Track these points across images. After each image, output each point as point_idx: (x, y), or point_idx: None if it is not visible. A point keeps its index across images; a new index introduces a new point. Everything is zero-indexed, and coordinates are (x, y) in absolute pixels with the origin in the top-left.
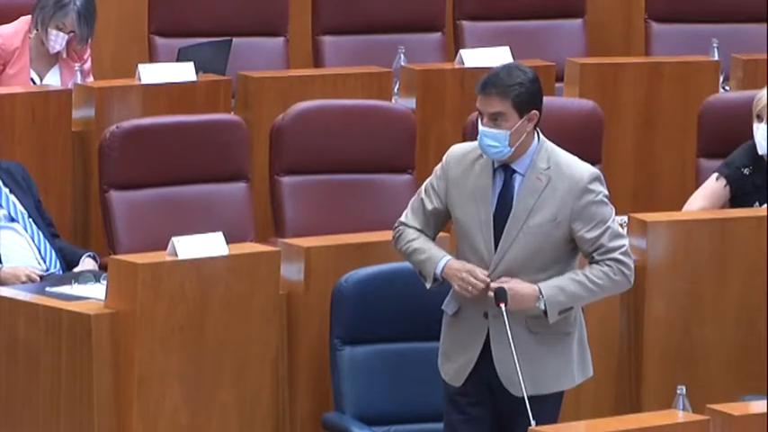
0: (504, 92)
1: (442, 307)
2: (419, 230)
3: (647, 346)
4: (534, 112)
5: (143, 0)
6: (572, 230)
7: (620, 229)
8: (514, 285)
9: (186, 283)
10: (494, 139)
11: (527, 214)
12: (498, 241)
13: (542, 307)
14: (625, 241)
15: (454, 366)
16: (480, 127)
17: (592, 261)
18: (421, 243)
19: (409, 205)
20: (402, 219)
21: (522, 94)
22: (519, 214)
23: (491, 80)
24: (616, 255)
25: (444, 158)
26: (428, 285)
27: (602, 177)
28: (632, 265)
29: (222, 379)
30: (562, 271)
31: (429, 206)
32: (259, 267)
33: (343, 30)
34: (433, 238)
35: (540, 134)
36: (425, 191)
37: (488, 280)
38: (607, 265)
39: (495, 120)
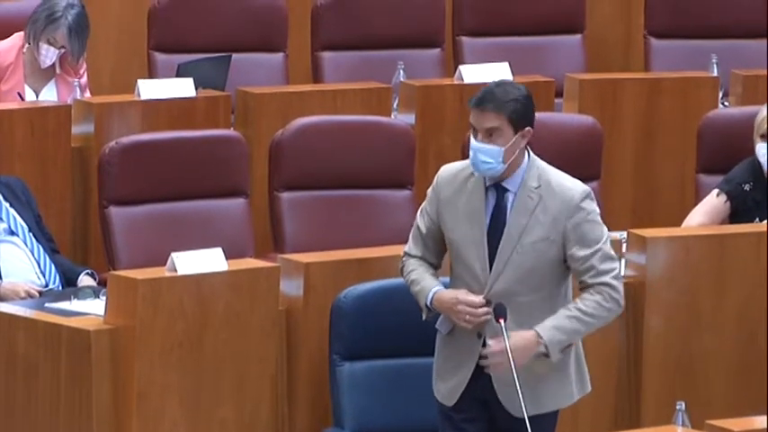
0: (500, 107)
1: (436, 326)
2: (420, 258)
3: (647, 362)
4: (528, 128)
5: (142, 16)
6: (564, 249)
7: (612, 252)
8: (513, 341)
9: (186, 298)
10: (488, 155)
11: (520, 233)
12: (492, 261)
13: (543, 350)
14: (616, 264)
15: (447, 386)
16: (474, 143)
17: (582, 285)
18: (417, 274)
19: (411, 233)
20: (405, 249)
21: (518, 110)
22: (512, 233)
23: (487, 95)
24: (607, 279)
25: (435, 179)
26: (423, 316)
27: (592, 195)
28: (622, 290)
29: (221, 394)
30: (556, 291)
31: (424, 230)
32: (258, 283)
33: (342, 45)
34: (438, 262)
35: (531, 152)
36: (420, 215)
37: (484, 302)
38: (598, 292)
39: (489, 135)
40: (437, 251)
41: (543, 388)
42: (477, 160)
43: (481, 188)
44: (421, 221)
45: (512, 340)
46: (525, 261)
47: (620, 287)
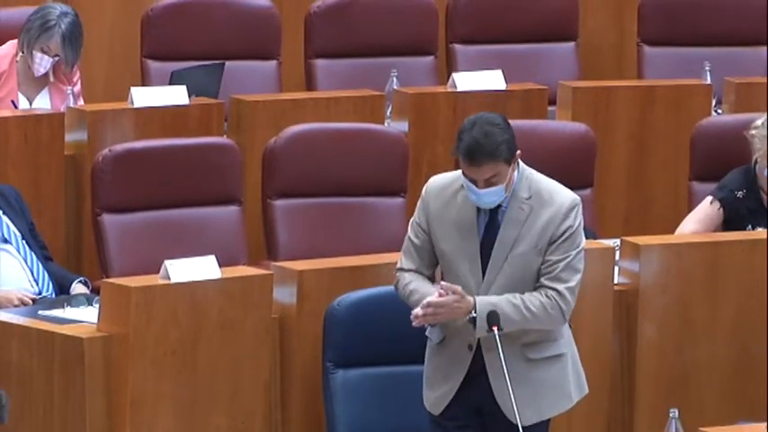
0: (493, 157)
1: (426, 334)
2: (415, 271)
3: (640, 369)
4: (517, 153)
5: (135, 23)
6: (545, 253)
7: (579, 265)
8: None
9: (179, 306)
10: (493, 195)
11: (511, 244)
12: (485, 271)
13: (471, 318)
14: (577, 278)
15: (435, 395)
16: (475, 189)
17: (538, 285)
18: (415, 285)
19: (402, 248)
20: (398, 264)
21: (508, 149)
22: (504, 244)
23: (476, 150)
24: (560, 287)
25: (423, 192)
26: (428, 329)
27: (581, 204)
28: (572, 305)
29: (215, 402)
30: None
31: (417, 242)
32: (252, 291)
33: (335, 53)
34: (432, 273)
35: (520, 162)
36: (411, 228)
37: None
38: (547, 296)
39: (489, 180)
40: (431, 263)
41: (544, 395)
42: (482, 202)
43: (471, 201)
44: (413, 235)
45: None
46: (516, 271)
47: (571, 300)
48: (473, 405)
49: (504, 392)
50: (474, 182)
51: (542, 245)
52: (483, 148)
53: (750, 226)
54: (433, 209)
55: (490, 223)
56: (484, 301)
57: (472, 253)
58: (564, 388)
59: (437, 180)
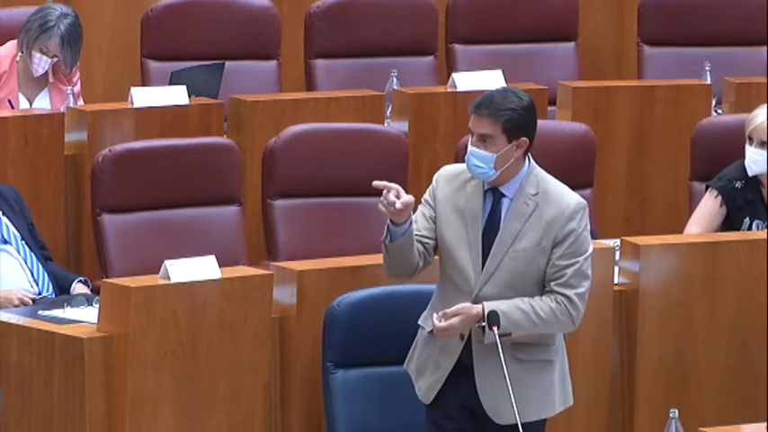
0: (495, 114)
1: (419, 322)
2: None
3: (640, 370)
4: (524, 139)
5: (136, 23)
6: (549, 254)
7: (588, 271)
8: (459, 312)
9: (179, 306)
10: (480, 159)
11: (513, 238)
12: (484, 264)
13: (481, 326)
14: (587, 284)
15: (427, 383)
16: (469, 145)
17: (547, 289)
18: None
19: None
20: None
21: (513, 120)
22: (505, 238)
23: (485, 102)
24: (570, 293)
25: (435, 177)
26: (385, 238)
27: (587, 208)
28: (582, 311)
29: (215, 403)
30: None
31: (427, 213)
32: (252, 291)
33: (335, 53)
34: (425, 241)
35: (531, 160)
36: (422, 203)
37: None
38: (557, 301)
39: (483, 141)
40: (428, 231)
41: (527, 397)
42: (470, 163)
43: (479, 191)
44: (422, 207)
45: (458, 313)
46: (516, 266)
47: (581, 307)
48: (468, 406)
49: (488, 390)
50: (472, 135)
51: (546, 244)
52: (491, 102)
53: (748, 218)
54: (441, 194)
55: (495, 214)
56: (492, 307)
57: (473, 241)
58: (548, 395)
59: (449, 167)
